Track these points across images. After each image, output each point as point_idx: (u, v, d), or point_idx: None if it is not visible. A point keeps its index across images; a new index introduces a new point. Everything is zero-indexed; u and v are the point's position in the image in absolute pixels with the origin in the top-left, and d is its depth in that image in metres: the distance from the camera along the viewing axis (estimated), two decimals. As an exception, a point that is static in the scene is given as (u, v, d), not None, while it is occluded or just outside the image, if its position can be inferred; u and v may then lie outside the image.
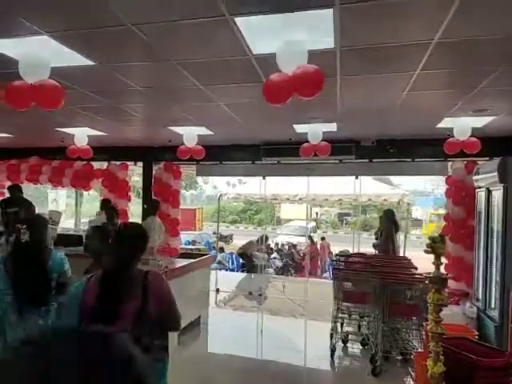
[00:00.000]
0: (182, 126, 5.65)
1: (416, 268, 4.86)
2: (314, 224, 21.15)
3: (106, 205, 6.16)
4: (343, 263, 5.51)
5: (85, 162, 7.41)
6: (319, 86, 2.68)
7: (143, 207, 6.37)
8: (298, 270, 12.08)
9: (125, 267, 1.97)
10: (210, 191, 33.62)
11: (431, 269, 2.96)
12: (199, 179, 28.18)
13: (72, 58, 3.17)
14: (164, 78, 3.80)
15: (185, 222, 13.11)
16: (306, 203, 17.78)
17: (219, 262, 11.27)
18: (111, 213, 5.43)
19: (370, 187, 9.83)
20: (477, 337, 4.42)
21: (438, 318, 3.03)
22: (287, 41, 2.67)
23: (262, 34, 2.79)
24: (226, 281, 8.56)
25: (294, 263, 12.50)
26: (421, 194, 26.60)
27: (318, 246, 13.19)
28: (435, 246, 2.99)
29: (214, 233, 14.37)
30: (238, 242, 14.17)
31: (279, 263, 12.08)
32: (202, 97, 4.23)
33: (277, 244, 14.43)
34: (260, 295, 7.69)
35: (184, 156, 5.83)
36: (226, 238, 18.33)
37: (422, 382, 3.08)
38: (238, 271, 11.37)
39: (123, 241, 2.04)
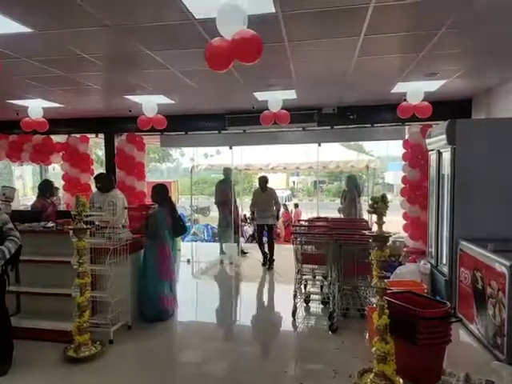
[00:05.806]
0: (141, 94, 5.54)
1: (370, 229, 5.04)
2: (289, 193, 21.46)
3: None
4: (302, 228, 5.68)
5: (44, 136, 7.19)
6: (258, 51, 2.66)
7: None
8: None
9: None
10: (187, 164, 33.19)
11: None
12: (175, 152, 27.82)
13: (6, 25, 3.05)
14: (110, 44, 3.68)
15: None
16: (281, 172, 17.95)
17: (194, 234, 11.47)
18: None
19: (340, 154, 10.03)
20: (426, 291, 4.71)
21: (382, 273, 3.20)
22: (225, 4, 2.64)
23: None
24: (200, 251, 8.75)
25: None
26: (393, 159, 26.93)
27: (293, 215, 13.43)
28: (376, 206, 3.12)
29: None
30: (216, 213, 14.14)
31: (250, 231, 12.33)
32: (153, 64, 4.15)
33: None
34: (231, 263, 7.85)
35: (145, 126, 5.75)
36: (203, 210, 18.30)
37: (372, 333, 3.29)
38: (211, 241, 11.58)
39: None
